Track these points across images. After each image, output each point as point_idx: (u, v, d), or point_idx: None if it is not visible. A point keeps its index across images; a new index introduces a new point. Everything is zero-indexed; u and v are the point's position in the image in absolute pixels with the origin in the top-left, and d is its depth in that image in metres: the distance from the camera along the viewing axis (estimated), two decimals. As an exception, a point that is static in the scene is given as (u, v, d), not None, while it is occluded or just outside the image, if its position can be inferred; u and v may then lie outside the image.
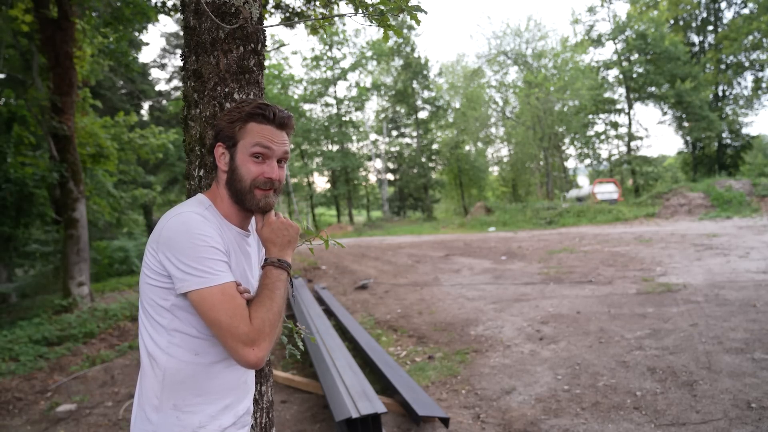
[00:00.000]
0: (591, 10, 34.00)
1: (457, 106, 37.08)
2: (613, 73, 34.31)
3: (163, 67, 32.46)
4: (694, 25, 34.85)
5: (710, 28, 33.96)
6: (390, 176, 40.77)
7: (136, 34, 14.53)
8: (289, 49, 39.47)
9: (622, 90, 34.12)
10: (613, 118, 35.00)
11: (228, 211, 1.26)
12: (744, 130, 32.54)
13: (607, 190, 26.70)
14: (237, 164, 1.22)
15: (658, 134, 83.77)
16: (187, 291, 1.09)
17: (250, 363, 1.08)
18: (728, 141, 33.06)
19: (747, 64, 31.68)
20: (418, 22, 1.89)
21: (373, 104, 54.18)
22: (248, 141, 1.21)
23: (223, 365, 1.20)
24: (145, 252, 1.18)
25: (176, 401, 1.15)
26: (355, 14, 1.86)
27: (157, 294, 1.15)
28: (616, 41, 33.08)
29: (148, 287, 1.16)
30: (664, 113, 33.96)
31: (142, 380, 1.19)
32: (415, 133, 39.62)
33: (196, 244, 1.10)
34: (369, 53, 37.55)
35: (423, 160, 38.51)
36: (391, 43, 34.56)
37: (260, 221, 1.27)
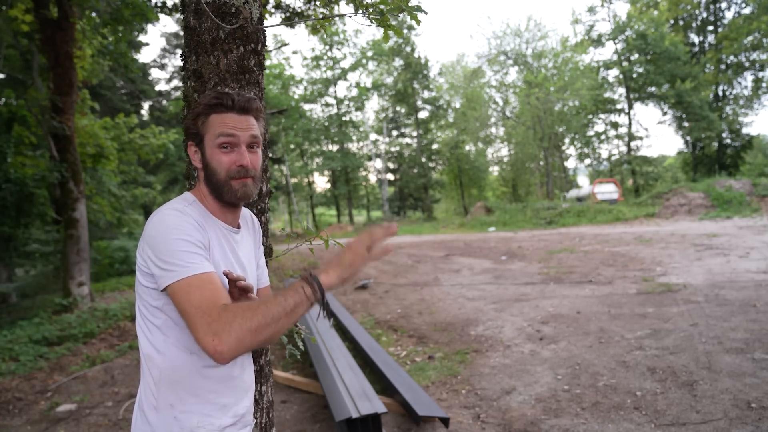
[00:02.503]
0: (591, 10, 34.00)
1: (457, 106, 37.08)
2: (613, 73, 34.35)
3: (163, 67, 32.46)
4: (694, 25, 34.84)
5: (710, 28, 33.95)
6: (390, 176, 40.75)
7: (136, 34, 14.54)
8: (290, 49, 39.48)
9: (622, 90, 34.12)
10: (613, 118, 35.00)
11: (212, 207, 1.25)
12: (744, 130, 32.55)
13: (607, 190, 26.69)
14: (208, 159, 1.21)
15: (658, 134, 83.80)
16: (165, 287, 1.08)
17: (209, 353, 1.00)
18: (728, 141, 33.05)
19: (747, 64, 31.67)
20: (418, 22, 1.89)
21: (374, 104, 54.28)
22: (212, 133, 1.19)
23: (217, 367, 1.20)
24: (137, 255, 1.18)
25: (173, 401, 1.15)
26: (355, 14, 1.86)
27: (150, 295, 1.15)
28: (616, 41, 33.08)
29: (141, 288, 1.16)
30: (664, 113, 33.97)
31: (142, 381, 1.20)
32: (415, 133, 39.60)
33: (169, 239, 1.09)
34: (369, 53, 37.57)
35: (423, 160, 38.49)
36: (391, 43, 34.57)
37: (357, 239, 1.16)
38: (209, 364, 1.17)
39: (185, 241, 1.09)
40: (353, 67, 37.77)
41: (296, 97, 37.25)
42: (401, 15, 1.79)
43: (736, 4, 32.18)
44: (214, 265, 1.17)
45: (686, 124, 32.40)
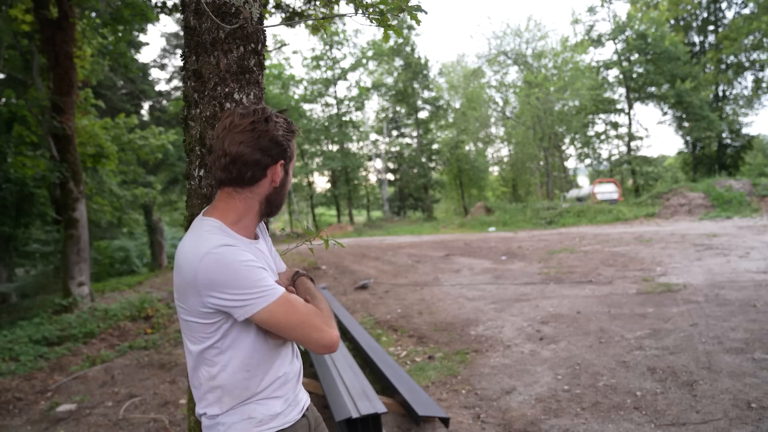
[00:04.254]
0: (591, 10, 33.96)
1: (457, 106, 37.07)
2: (613, 73, 34.28)
3: (163, 67, 32.49)
4: (694, 25, 34.82)
5: (711, 28, 33.93)
6: (390, 176, 40.76)
7: (136, 34, 14.54)
8: (290, 48, 39.50)
9: (622, 90, 34.08)
10: (613, 118, 34.94)
11: (242, 224, 1.28)
12: (744, 130, 32.51)
13: (607, 190, 26.68)
14: (287, 181, 1.33)
15: (658, 134, 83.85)
16: (253, 313, 1.16)
17: (334, 342, 1.22)
18: (728, 141, 33.03)
19: (747, 64, 31.64)
20: (418, 22, 1.89)
21: (374, 104, 54.23)
22: (293, 160, 1.34)
23: (269, 374, 1.29)
24: (179, 298, 1.22)
25: (236, 405, 1.25)
26: (355, 14, 1.86)
27: (208, 329, 1.21)
28: (616, 41, 33.05)
29: (195, 325, 1.21)
30: (664, 113, 33.94)
31: (202, 397, 1.27)
32: (415, 133, 39.61)
33: (241, 274, 1.15)
34: (369, 53, 37.58)
35: (423, 160, 38.49)
36: (391, 43, 34.57)
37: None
38: (262, 377, 1.27)
39: (258, 269, 1.18)
40: (353, 67, 37.76)
41: (296, 97, 37.26)
42: (401, 15, 1.79)
43: (736, 4, 32.18)
44: None
45: (686, 124, 32.38)
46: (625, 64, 33.00)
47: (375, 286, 9.32)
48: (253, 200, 1.28)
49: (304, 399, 1.40)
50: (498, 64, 34.66)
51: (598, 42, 34.00)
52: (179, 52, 8.55)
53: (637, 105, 34.96)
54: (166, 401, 4.42)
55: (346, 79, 38.31)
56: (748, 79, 32.38)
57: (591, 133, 35.44)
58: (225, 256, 1.15)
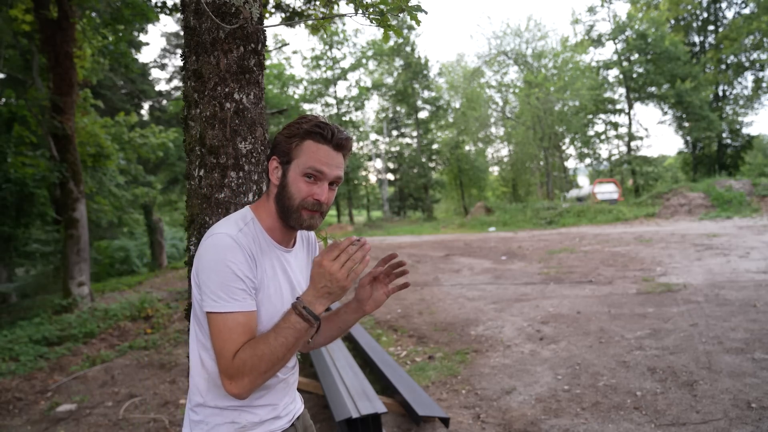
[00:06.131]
0: (591, 10, 34.00)
1: (457, 106, 37.07)
2: (613, 73, 34.33)
3: (163, 67, 32.49)
4: (694, 25, 34.84)
5: (711, 28, 33.95)
6: (390, 176, 40.75)
7: (136, 34, 14.55)
8: (290, 49, 39.52)
9: (622, 90, 34.11)
10: (613, 118, 34.99)
11: (272, 225, 1.26)
12: (744, 130, 32.54)
13: (607, 190, 26.67)
14: (288, 182, 1.21)
15: (658, 134, 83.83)
16: (206, 311, 1.16)
17: (229, 393, 1.14)
18: (728, 141, 33.05)
19: (747, 64, 31.66)
20: (418, 22, 1.89)
21: (374, 104, 54.21)
22: (303, 160, 1.19)
23: None
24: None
25: (218, 402, 1.22)
26: (355, 14, 1.86)
27: (199, 306, 1.22)
28: (616, 41, 33.08)
29: (196, 301, 1.21)
30: (664, 113, 33.96)
31: (191, 379, 1.27)
32: (415, 133, 39.61)
33: (218, 268, 1.13)
34: (369, 53, 37.58)
35: (423, 160, 38.49)
36: (391, 43, 34.56)
37: (324, 255, 1.18)
38: None
39: (235, 276, 1.13)
40: (353, 67, 37.78)
41: (296, 97, 37.27)
42: (401, 15, 1.79)
43: (736, 4, 32.19)
44: (263, 289, 1.21)
45: (686, 124, 32.39)
46: (625, 64, 33.02)
47: (375, 286, 9.31)
48: (270, 198, 1.27)
49: (296, 408, 1.39)
50: (498, 64, 34.70)
51: (598, 42, 34.03)
52: (179, 52, 8.55)
53: (637, 105, 35.00)
54: (166, 401, 4.42)
55: (346, 79, 38.36)
56: (748, 79, 32.45)
57: (591, 133, 35.47)
58: (220, 243, 1.14)
